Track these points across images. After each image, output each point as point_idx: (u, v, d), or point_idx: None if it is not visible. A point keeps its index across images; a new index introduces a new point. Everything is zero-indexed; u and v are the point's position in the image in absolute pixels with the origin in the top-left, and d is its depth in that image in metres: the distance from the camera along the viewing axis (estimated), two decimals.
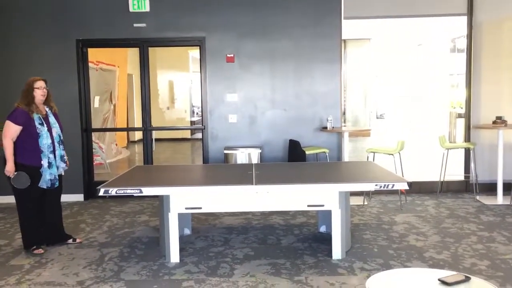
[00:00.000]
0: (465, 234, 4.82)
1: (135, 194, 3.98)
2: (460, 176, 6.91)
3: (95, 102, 9.21)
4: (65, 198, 5.28)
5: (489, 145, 6.72)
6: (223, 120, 6.73)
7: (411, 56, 12.27)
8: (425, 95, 12.18)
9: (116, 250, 4.51)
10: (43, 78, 4.50)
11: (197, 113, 15.11)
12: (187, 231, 4.98)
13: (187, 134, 14.71)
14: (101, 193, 3.92)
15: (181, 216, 4.33)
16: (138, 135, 12.42)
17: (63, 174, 4.66)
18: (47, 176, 4.40)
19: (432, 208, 5.93)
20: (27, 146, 4.32)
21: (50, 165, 4.40)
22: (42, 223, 4.53)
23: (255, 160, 6.39)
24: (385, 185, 3.96)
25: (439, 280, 2.42)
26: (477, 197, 6.38)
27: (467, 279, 2.46)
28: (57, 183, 4.51)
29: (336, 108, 6.66)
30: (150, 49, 6.80)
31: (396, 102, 12.94)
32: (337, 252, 4.16)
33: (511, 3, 6.65)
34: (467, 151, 6.83)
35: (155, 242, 4.70)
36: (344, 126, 7.63)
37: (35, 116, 4.34)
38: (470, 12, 6.67)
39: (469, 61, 6.74)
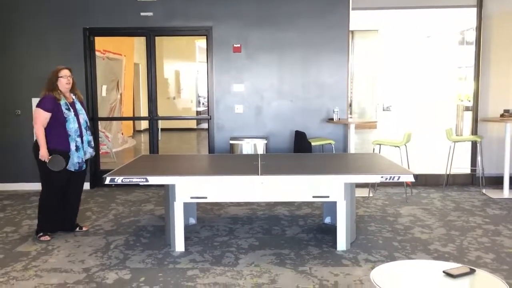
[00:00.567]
0: (471, 227, 4.80)
1: (140, 183, 3.99)
2: (467, 169, 6.88)
3: (103, 91, 9.23)
4: None
5: (496, 139, 6.68)
6: (229, 111, 6.72)
7: (419, 48, 12.17)
8: (432, 88, 12.10)
9: (122, 238, 4.54)
10: (68, 67, 4.57)
11: (203, 103, 15.11)
12: (192, 221, 5.01)
13: (193, 124, 14.71)
14: (107, 182, 3.95)
15: (186, 206, 4.34)
16: (144, 124, 12.44)
17: (90, 158, 4.75)
18: (75, 159, 4.49)
19: (437, 201, 5.92)
20: (56, 131, 4.43)
21: (77, 148, 4.50)
22: (62, 207, 4.63)
23: (260, 150, 6.39)
24: (390, 177, 3.94)
25: (443, 272, 2.41)
26: (483, 191, 6.36)
27: (472, 271, 2.44)
28: (84, 166, 4.62)
29: (342, 100, 6.63)
30: (156, 38, 6.79)
31: (403, 94, 12.85)
32: (341, 243, 4.16)
33: None
34: (474, 144, 6.79)
35: (161, 231, 4.72)
36: (351, 117, 7.59)
37: (62, 102, 4.45)
38: (479, 4, 6.60)
39: (478, 54, 6.68)
